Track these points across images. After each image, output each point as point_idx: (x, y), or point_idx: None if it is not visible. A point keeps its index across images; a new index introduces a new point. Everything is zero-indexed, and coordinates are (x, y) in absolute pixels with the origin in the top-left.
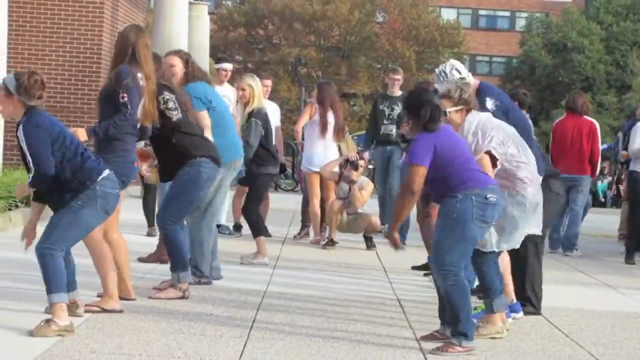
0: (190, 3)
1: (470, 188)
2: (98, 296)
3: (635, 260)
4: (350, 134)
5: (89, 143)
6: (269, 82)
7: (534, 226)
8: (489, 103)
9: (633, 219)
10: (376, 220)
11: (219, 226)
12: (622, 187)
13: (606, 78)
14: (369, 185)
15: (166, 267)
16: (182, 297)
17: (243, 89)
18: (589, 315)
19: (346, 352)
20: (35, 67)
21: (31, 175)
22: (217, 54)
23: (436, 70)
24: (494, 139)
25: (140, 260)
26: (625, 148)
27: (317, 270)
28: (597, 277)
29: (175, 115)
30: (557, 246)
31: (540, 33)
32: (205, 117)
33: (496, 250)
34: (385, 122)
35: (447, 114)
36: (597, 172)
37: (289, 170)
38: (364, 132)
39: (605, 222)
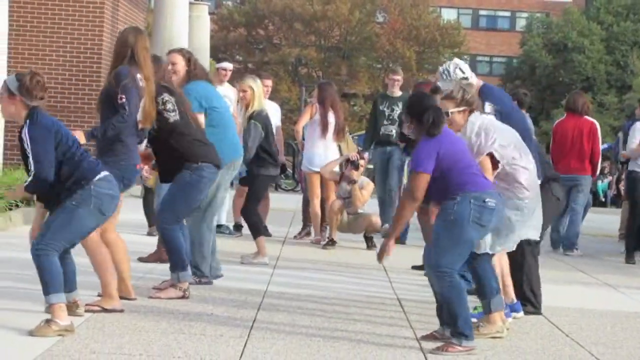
0: (190, 3)
1: (469, 191)
2: (98, 296)
3: (636, 260)
4: (350, 134)
5: (89, 146)
6: (269, 82)
7: (532, 230)
8: (488, 108)
9: (633, 218)
10: (376, 220)
11: (219, 226)
12: (622, 187)
13: (606, 78)
14: (370, 185)
15: (166, 266)
16: (183, 297)
17: (244, 91)
18: (589, 314)
19: (346, 352)
20: (36, 67)
21: (29, 179)
22: (218, 54)
23: (440, 68)
24: (497, 141)
25: (141, 260)
26: (626, 148)
27: (317, 270)
28: (597, 276)
29: (173, 116)
30: (557, 246)
31: (541, 33)
32: (200, 119)
33: (490, 252)
34: (385, 122)
35: (450, 114)
36: (598, 172)
37: (290, 170)
38: (363, 132)
39: (606, 221)
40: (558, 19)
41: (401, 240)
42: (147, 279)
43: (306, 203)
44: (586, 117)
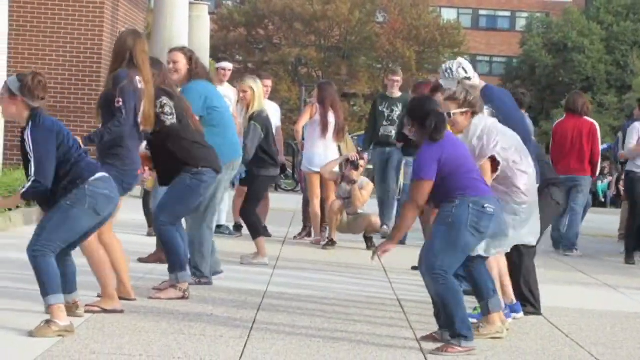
0: (190, 3)
1: (468, 195)
2: (98, 296)
3: (635, 260)
4: (349, 134)
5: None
6: (269, 82)
7: (529, 236)
8: (485, 112)
9: (632, 218)
10: (376, 220)
11: (219, 226)
12: (622, 187)
13: (606, 78)
14: (369, 185)
15: (166, 267)
16: (182, 298)
17: (244, 91)
18: (589, 315)
19: (346, 353)
20: (36, 67)
21: (28, 185)
22: (218, 54)
23: (443, 65)
24: (499, 144)
25: (141, 260)
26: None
27: (317, 270)
28: (597, 277)
29: (170, 120)
30: (558, 246)
31: (541, 33)
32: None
33: (484, 255)
34: (384, 123)
35: (452, 115)
36: (597, 172)
37: (290, 170)
38: (363, 132)
39: (605, 222)
40: (558, 18)
41: (401, 240)
42: (147, 279)
43: (306, 203)
44: (586, 117)
